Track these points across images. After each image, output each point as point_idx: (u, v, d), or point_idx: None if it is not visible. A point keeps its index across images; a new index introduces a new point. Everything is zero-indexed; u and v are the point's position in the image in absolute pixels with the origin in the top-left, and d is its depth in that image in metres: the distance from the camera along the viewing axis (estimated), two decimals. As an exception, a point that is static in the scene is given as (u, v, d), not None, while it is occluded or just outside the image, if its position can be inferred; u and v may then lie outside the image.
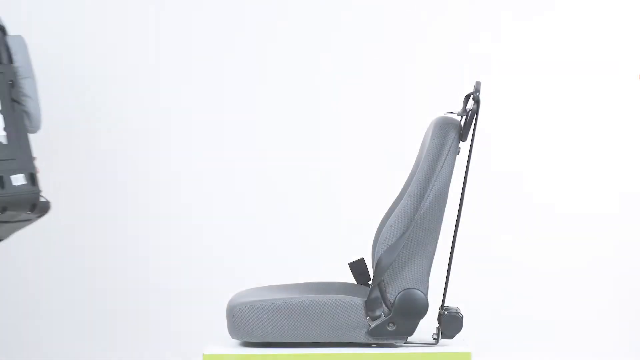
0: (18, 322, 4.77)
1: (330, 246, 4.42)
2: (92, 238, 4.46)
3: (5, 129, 3.52)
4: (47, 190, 4.86)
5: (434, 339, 2.83)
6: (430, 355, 2.77)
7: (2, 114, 3.52)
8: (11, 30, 3.91)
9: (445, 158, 2.76)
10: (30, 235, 4.80)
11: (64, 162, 4.53)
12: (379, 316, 2.78)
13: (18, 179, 3.52)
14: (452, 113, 2.86)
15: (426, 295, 2.79)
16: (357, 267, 3.08)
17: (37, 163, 3.73)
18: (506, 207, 4.87)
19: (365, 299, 2.79)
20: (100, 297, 4.46)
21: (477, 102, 2.75)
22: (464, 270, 4.12)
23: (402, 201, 2.80)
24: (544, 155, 4.86)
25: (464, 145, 2.80)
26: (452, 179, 2.78)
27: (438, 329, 2.83)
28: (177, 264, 4.50)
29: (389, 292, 2.79)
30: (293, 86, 4.69)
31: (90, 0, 4.55)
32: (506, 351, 4.75)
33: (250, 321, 2.78)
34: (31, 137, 3.75)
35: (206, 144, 4.68)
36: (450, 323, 2.81)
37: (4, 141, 3.51)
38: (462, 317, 2.82)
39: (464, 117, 2.80)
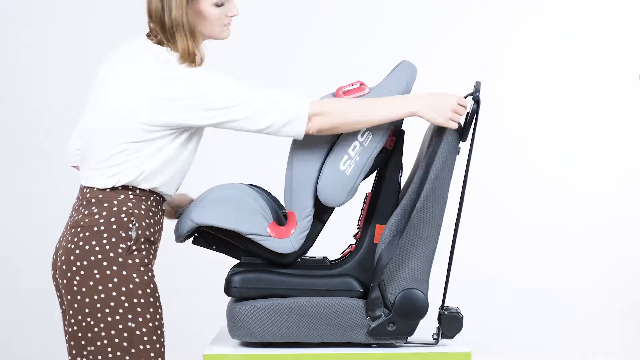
0: (14, 323, 4.78)
1: (329, 246, 4.41)
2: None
3: None
4: (44, 189, 4.87)
5: (434, 339, 2.83)
6: (430, 355, 2.77)
7: None
8: None
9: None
10: (27, 235, 4.80)
11: (61, 160, 4.53)
12: (379, 316, 2.78)
13: None
14: (452, 113, 2.86)
15: (426, 295, 2.79)
16: None
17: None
18: (506, 207, 4.87)
19: (366, 300, 2.79)
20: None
21: (477, 102, 2.76)
22: (464, 270, 4.13)
23: (402, 201, 2.80)
24: (545, 156, 4.87)
25: (464, 146, 2.80)
26: (452, 179, 2.78)
27: (438, 329, 2.83)
28: (177, 264, 4.50)
29: (389, 292, 2.78)
30: (291, 86, 4.70)
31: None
32: (506, 351, 4.76)
33: (250, 321, 2.77)
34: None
35: (206, 143, 4.68)
36: (450, 323, 2.81)
37: None
38: (462, 317, 2.82)
39: (464, 117, 2.80)
